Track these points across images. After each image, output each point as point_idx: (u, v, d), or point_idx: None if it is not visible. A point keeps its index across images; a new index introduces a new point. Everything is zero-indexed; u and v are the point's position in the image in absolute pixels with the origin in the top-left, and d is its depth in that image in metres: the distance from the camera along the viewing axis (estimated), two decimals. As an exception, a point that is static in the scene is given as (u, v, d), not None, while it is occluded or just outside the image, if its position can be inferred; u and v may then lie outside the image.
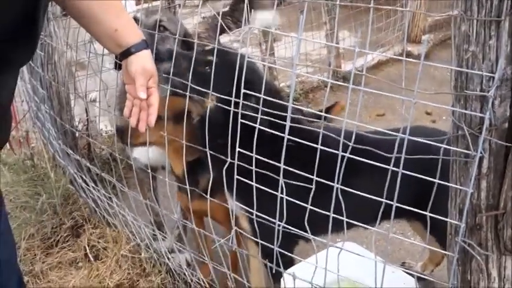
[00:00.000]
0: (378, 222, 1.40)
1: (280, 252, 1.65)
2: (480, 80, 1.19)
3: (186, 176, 1.92)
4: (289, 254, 1.77)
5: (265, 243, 1.68)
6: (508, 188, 1.23)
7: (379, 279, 1.38)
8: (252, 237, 1.86)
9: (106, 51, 2.56)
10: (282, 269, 1.73)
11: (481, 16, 1.16)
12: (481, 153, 1.21)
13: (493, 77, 1.16)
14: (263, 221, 1.66)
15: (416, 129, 2.11)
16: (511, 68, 1.16)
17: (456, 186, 1.29)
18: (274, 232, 1.60)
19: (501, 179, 1.23)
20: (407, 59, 1.28)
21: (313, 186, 1.44)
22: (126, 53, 1.69)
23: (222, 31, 2.80)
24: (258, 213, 1.68)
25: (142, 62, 1.70)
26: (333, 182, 1.37)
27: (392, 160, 1.27)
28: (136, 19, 2.24)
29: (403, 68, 1.27)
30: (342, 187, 1.37)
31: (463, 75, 1.22)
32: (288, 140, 1.45)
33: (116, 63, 2.40)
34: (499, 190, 1.24)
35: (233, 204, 1.94)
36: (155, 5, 6.31)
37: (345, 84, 1.55)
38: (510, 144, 1.19)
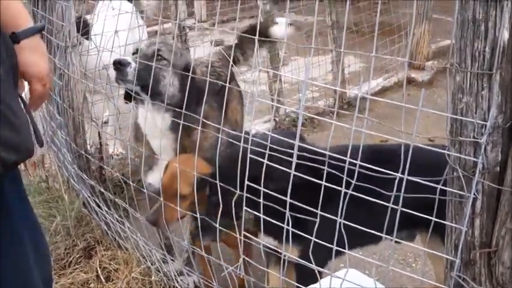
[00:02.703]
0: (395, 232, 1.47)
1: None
2: (473, 127, 1.29)
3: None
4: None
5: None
6: (500, 226, 1.32)
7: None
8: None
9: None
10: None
11: (474, 69, 1.27)
12: (474, 194, 1.31)
13: (485, 125, 1.27)
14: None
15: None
16: (502, 116, 1.26)
17: (452, 224, 1.39)
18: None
19: (493, 219, 1.33)
20: (405, 105, 1.37)
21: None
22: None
23: (233, 63, 2.91)
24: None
25: None
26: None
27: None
28: (137, 49, 2.37)
29: (403, 113, 1.36)
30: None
31: (457, 122, 1.32)
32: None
33: (126, 94, 2.52)
34: (492, 229, 1.34)
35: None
36: (166, 27, 6.47)
37: (349, 112, 1.65)
38: (502, 187, 1.29)
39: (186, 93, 2.15)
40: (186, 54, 2.56)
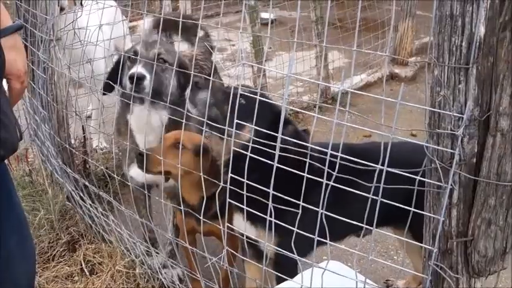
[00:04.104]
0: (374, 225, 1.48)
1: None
2: (451, 120, 1.33)
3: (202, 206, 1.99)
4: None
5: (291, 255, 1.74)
6: (476, 216, 1.36)
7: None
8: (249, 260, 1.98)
9: (103, 71, 2.62)
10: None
11: (451, 63, 1.30)
12: (451, 185, 1.35)
13: (462, 117, 1.30)
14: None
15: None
16: (478, 109, 1.30)
17: (429, 214, 1.42)
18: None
19: (470, 209, 1.37)
20: (386, 98, 1.41)
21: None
22: None
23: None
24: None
25: None
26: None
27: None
28: (136, 52, 2.35)
29: (382, 107, 1.39)
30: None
31: (435, 114, 1.36)
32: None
33: (106, 86, 2.50)
34: (468, 219, 1.38)
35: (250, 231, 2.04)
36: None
37: (332, 106, 1.70)
38: (478, 178, 1.33)
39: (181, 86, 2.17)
40: (175, 50, 2.56)
